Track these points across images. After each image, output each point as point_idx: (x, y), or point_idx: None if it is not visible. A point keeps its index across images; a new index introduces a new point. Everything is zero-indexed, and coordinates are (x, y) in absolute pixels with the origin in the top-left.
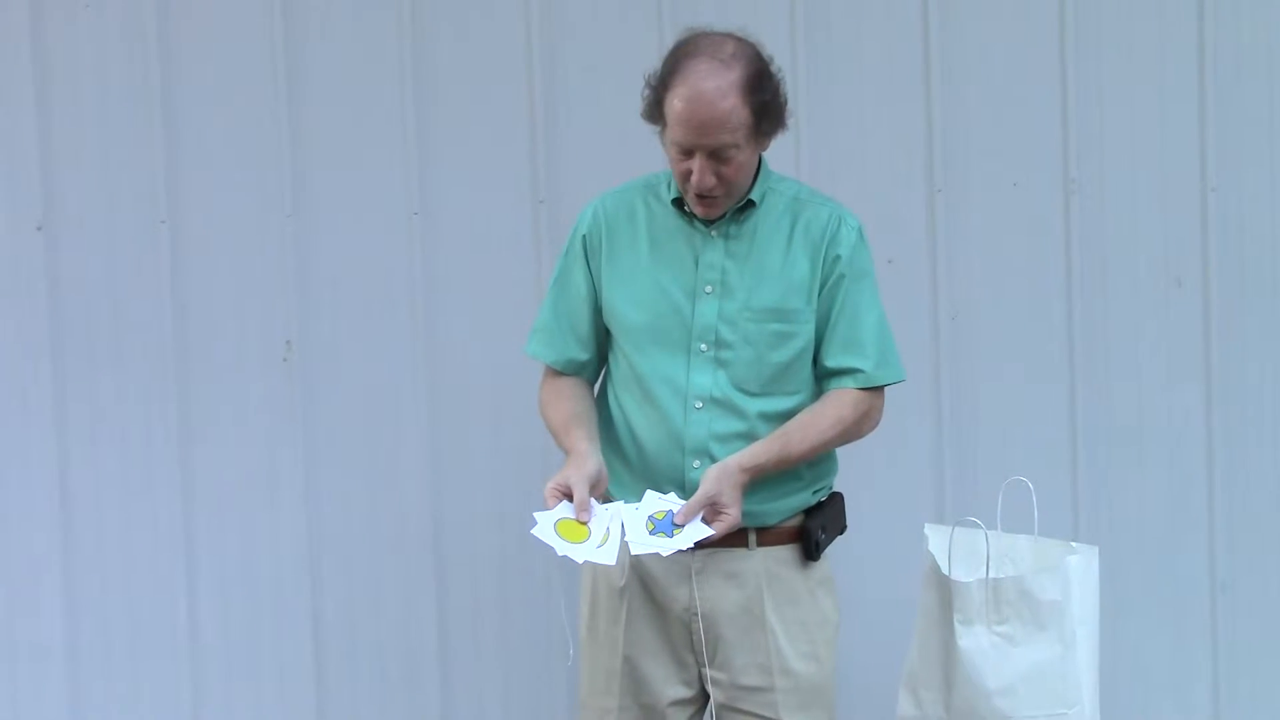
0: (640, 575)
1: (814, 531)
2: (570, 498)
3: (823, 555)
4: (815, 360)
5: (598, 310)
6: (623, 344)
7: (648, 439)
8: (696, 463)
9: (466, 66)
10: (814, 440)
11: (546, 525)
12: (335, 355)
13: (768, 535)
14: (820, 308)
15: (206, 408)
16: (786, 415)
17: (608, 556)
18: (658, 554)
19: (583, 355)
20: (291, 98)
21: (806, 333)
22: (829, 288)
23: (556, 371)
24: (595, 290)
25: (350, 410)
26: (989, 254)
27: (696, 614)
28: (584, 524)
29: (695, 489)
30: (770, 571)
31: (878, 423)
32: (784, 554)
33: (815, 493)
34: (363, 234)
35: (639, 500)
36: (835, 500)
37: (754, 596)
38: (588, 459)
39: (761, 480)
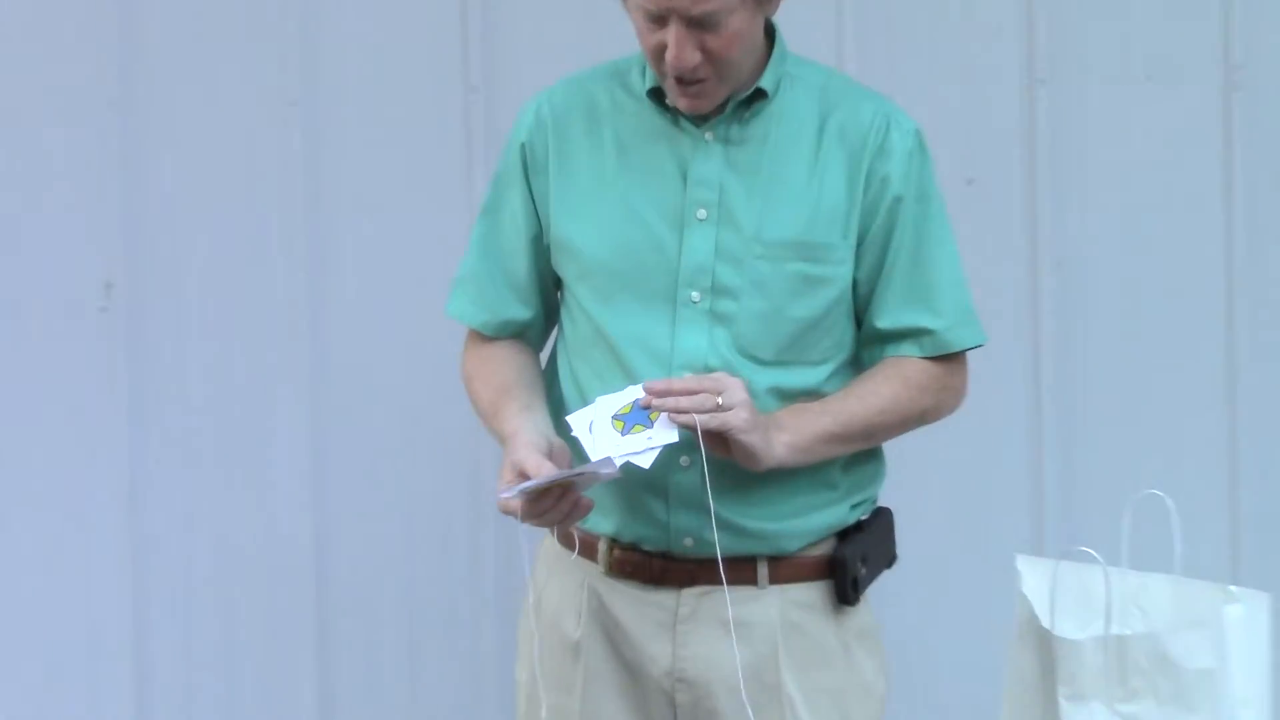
0: (604, 625)
1: (851, 563)
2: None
3: (863, 597)
4: (859, 320)
5: (545, 250)
6: (580, 296)
7: None
8: (686, 460)
9: None
10: (870, 420)
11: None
12: (174, 305)
13: (785, 568)
14: (865, 246)
15: None
16: (811, 395)
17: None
18: (638, 461)
19: (523, 313)
20: None
21: (841, 278)
22: (878, 218)
23: (486, 338)
24: (540, 221)
25: (189, 387)
26: (1112, 176)
27: (682, 680)
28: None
29: (682, 495)
30: (789, 620)
31: (957, 405)
32: (808, 595)
33: (854, 508)
34: (217, 133)
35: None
36: (881, 520)
37: (765, 656)
38: (522, 434)
39: (775, 481)
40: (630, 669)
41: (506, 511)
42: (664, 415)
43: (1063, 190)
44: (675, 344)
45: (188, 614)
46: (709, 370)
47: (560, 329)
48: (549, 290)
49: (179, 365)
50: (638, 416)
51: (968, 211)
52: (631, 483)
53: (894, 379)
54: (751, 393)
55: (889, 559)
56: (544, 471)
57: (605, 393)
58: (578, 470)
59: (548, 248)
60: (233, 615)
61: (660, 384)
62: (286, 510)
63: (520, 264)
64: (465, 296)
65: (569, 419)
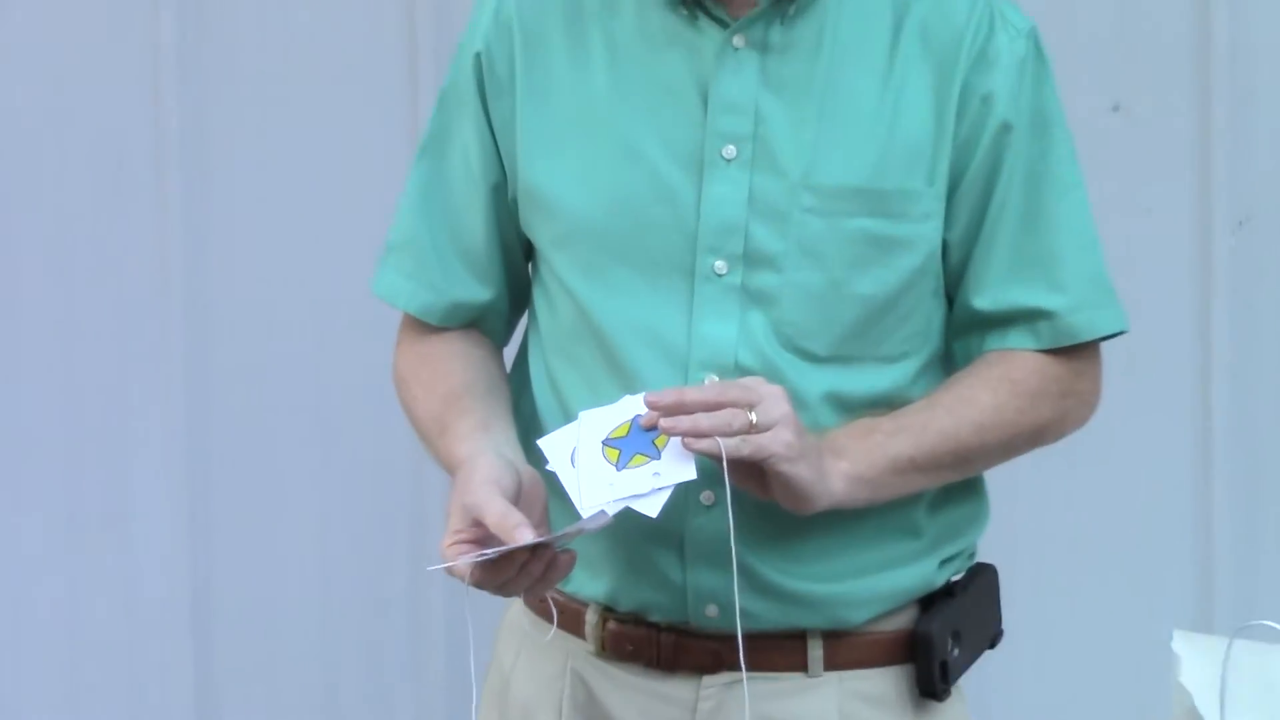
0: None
1: (939, 642)
2: (478, 541)
3: (956, 689)
4: (950, 298)
5: (510, 204)
6: (559, 269)
7: None
8: (708, 496)
9: None
10: (965, 441)
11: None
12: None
13: (848, 648)
14: (959, 195)
15: None
16: (884, 405)
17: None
18: (641, 507)
19: (479, 294)
20: None
21: (925, 240)
22: (977, 154)
23: (429, 327)
24: (503, 163)
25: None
26: None
27: None
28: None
29: (703, 546)
30: (850, 719)
31: (1085, 419)
32: (880, 686)
33: (944, 564)
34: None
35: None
36: (981, 581)
37: None
38: (478, 464)
39: (832, 528)
40: None
41: (454, 575)
42: (675, 440)
43: (1245, 123)
44: (693, 335)
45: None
46: (740, 373)
47: (532, 316)
48: (516, 262)
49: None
50: (639, 442)
51: (1111, 149)
52: (631, 528)
53: (998, 382)
54: (799, 403)
55: (991, 636)
56: (509, 525)
57: (593, 406)
58: (558, 535)
59: (514, 201)
60: (77, 685)
61: (670, 395)
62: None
63: (475, 224)
64: (399, 270)
65: (541, 444)
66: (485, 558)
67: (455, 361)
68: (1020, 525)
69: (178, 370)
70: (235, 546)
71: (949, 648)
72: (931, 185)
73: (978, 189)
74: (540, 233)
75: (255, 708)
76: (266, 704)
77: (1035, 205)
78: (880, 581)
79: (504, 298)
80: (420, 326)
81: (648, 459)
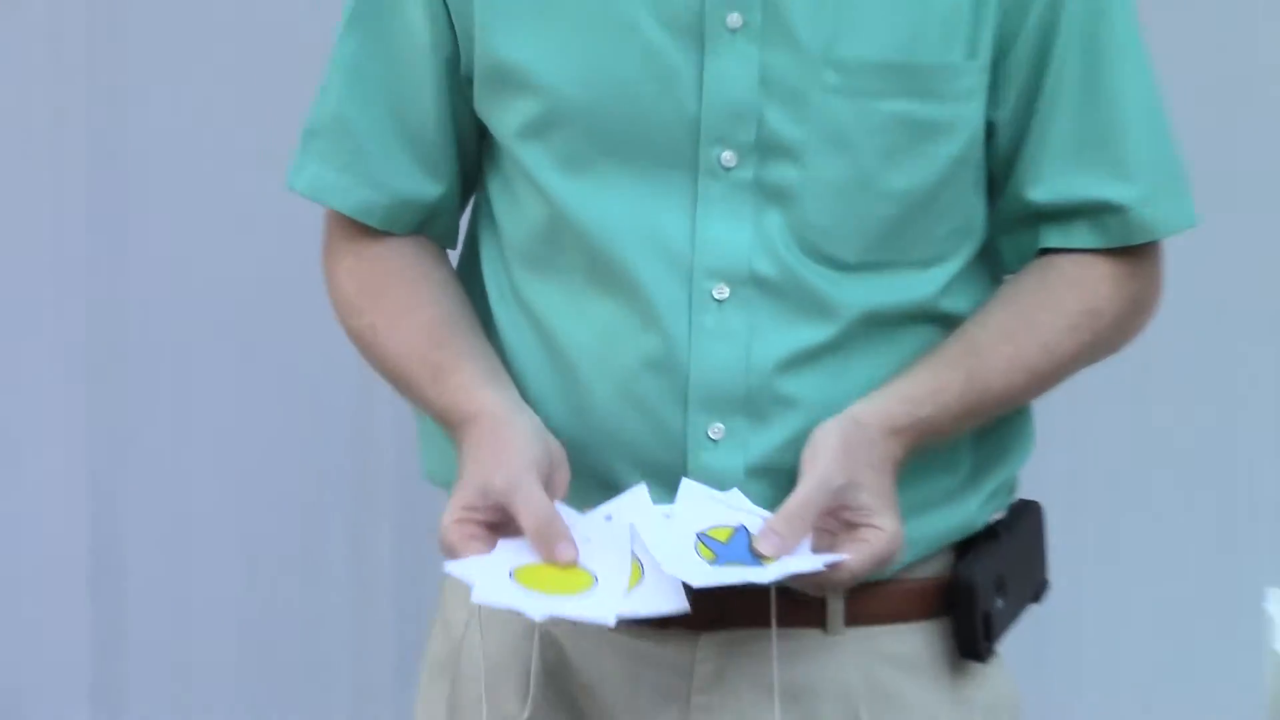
0: (568, 697)
1: (982, 592)
2: (496, 526)
3: (996, 653)
4: (996, 187)
5: (465, 81)
6: (529, 163)
7: (597, 378)
8: (718, 428)
9: None
10: (1035, 361)
11: (493, 579)
12: None
13: (873, 601)
14: (1007, 68)
15: None
16: (921, 317)
17: (642, 604)
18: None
19: (428, 189)
20: None
21: (967, 122)
22: (1028, 18)
23: (367, 233)
24: (455, 31)
25: None
26: None
27: None
28: (572, 565)
29: (705, 481)
30: (878, 687)
31: (1143, 326)
32: (910, 644)
33: (988, 500)
34: None
35: (665, 500)
36: (1027, 521)
37: None
38: (514, 427)
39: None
40: None
41: (446, 553)
42: (783, 562)
43: None
44: (698, 239)
45: None
46: (755, 284)
47: (485, 219)
48: (469, 151)
49: None
50: (740, 550)
51: (1173, 13)
52: (610, 462)
53: (1064, 293)
54: (828, 314)
55: (1037, 586)
56: (550, 536)
57: (578, 324)
58: (599, 619)
59: (468, 78)
60: None
61: (794, 517)
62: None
63: (424, 104)
64: (326, 160)
65: (617, 503)
66: (511, 560)
67: (422, 284)
68: (1070, 459)
69: (80, 305)
70: (144, 506)
71: (992, 599)
72: (973, 58)
73: (1029, 59)
74: (504, 119)
75: (162, 694)
76: (175, 688)
77: (1095, 75)
78: (916, 526)
79: (455, 194)
80: (355, 232)
81: (749, 567)
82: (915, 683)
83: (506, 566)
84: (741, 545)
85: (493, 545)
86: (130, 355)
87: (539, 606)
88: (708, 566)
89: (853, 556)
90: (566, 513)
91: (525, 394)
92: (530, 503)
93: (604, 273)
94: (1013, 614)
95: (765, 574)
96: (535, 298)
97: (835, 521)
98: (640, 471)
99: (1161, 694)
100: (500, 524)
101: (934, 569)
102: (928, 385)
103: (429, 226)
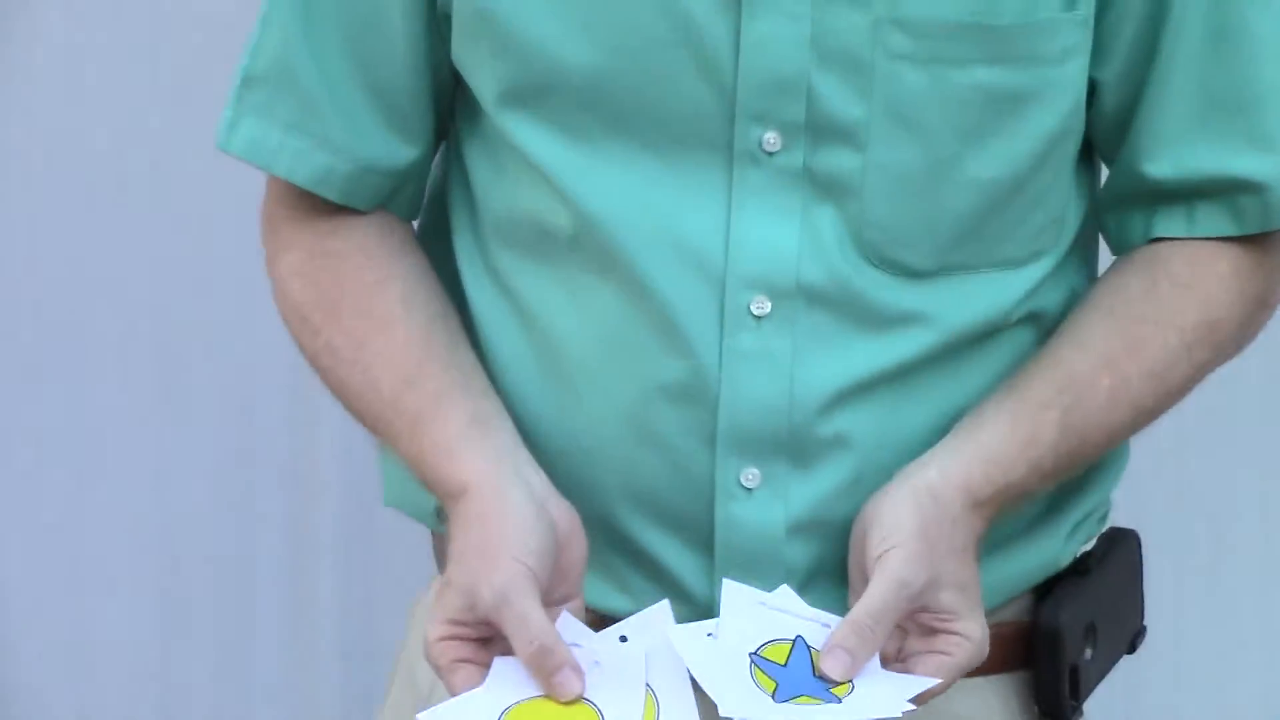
0: None
1: (1069, 640)
2: (490, 640)
3: (1083, 713)
4: (1102, 158)
5: (438, 19)
6: (515, 129)
7: (601, 401)
8: (752, 474)
9: None
10: (1141, 395)
11: None
12: None
13: None
14: (1117, 13)
15: None
16: (1004, 328)
17: None
18: None
19: (400, 153)
20: None
21: (1069, 88)
22: None
23: (321, 208)
24: None
25: None
26: None
27: None
28: (576, 701)
29: (737, 540)
30: None
31: (1267, 321)
32: (981, 704)
33: (1073, 532)
34: None
35: (702, 613)
36: (1120, 553)
37: None
38: (506, 512)
39: None
40: None
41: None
42: (865, 691)
43: None
44: (733, 240)
45: None
46: (803, 295)
47: (458, 186)
48: (444, 108)
49: None
50: (803, 674)
51: None
52: (609, 503)
53: (1175, 314)
54: (893, 332)
55: (1133, 633)
56: (549, 667)
57: (577, 320)
58: None
59: (446, 16)
60: None
61: (866, 630)
62: None
63: (394, 50)
64: (270, 115)
65: (618, 635)
66: (504, 700)
67: (389, 289)
68: (1172, 479)
69: None
70: (39, 494)
71: (1082, 649)
72: (1072, 8)
73: (1142, 4)
74: (489, 76)
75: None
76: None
77: (1226, 22)
78: (990, 568)
79: (429, 157)
80: (305, 208)
81: (821, 703)
82: None
83: (497, 708)
84: (803, 667)
85: (486, 663)
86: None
87: None
88: (773, 704)
89: (937, 679)
90: (572, 628)
91: (505, 394)
92: (525, 623)
93: (615, 273)
94: (1104, 667)
95: (842, 713)
96: (523, 287)
97: (908, 620)
98: (652, 521)
99: None
100: (494, 638)
101: (1011, 613)
102: (1017, 438)
103: (395, 198)
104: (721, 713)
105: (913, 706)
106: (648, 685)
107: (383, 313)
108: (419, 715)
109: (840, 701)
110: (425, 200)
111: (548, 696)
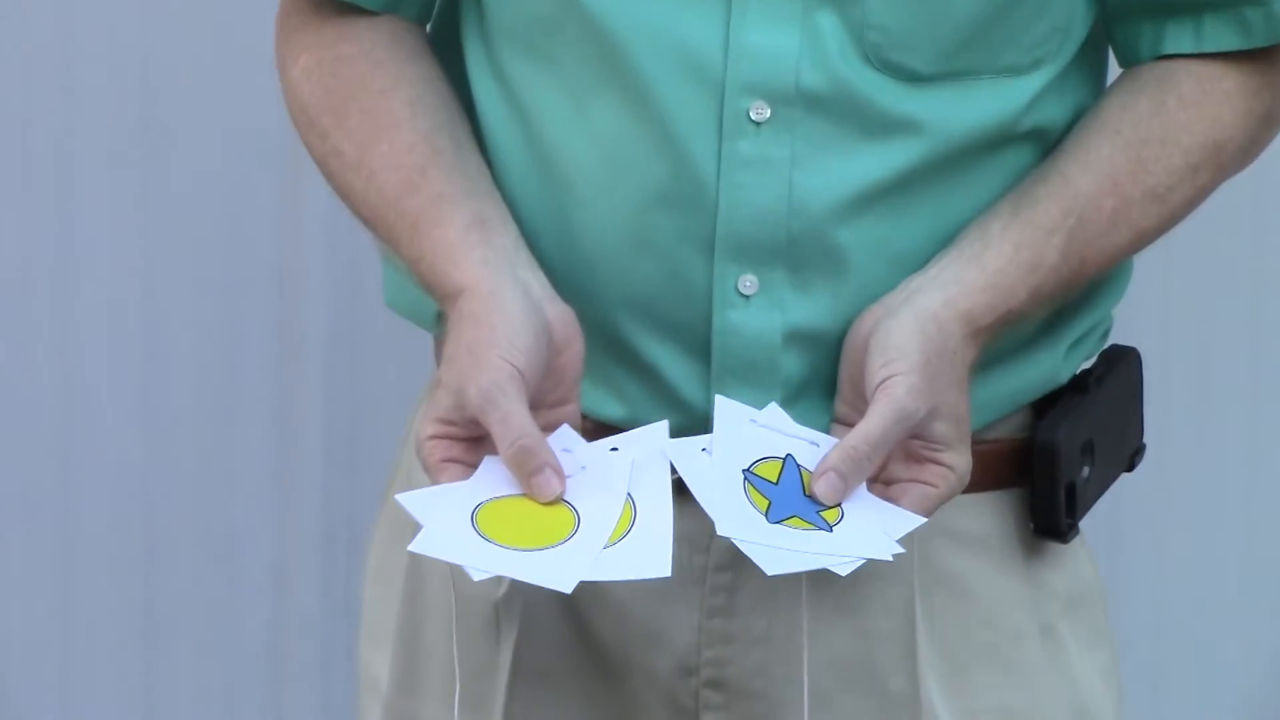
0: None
1: (1066, 457)
2: (474, 440)
3: (1079, 531)
4: None
5: None
6: None
7: (599, 207)
8: (750, 280)
9: None
10: (1143, 217)
11: (446, 521)
12: None
13: None
14: None
15: None
16: (1005, 136)
17: (619, 563)
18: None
19: None
20: None
21: None
22: None
23: (331, 9)
24: None
25: None
26: None
27: (715, 684)
28: (556, 502)
29: (734, 346)
30: (938, 569)
31: (1272, 139)
32: (976, 520)
33: (1074, 347)
34: None
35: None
36: (1122, 372)
37: (889, 638)
38: (501, 310)
39: None
40: (608, 662)
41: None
42: (855, 510)
43: None
44: (732, 44)
45: None
46: (803, 100)
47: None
48: None
49: None
50: (793, 493)
51: None
52: (608, 308)
53: (1181, 134)
54: (895, 135)
55: (1131, 451)
56: (529, 467)
57: (576, 122)
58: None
59: None
60: None
61: (863, 458)
62: None
63: None
64: None
65: (609, 446)
66: (478, 496)
67: (398, 93)
68: (1171, 295)
69: None
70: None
71: (1078, 466)
72: None
73: None
74: None
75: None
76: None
77: None
78: (986, 384)
79: None
80: (320, 11)
81: (813, 528)
82: (980, 564)
83: (472, 502)
84: (794, 485)
85: (475, 464)
86: None
87: (482, 563)
88: (767, 525)
89: (923, 517)
90: (567, 437)
91: (509, 201)
92: (507, 422)
93: (616, 75)
94: (1101, 484)
95: (836, 561)
96: (526, 91)
97: (905, 456)
98: (650, 329)
99: (1262, 584)
100: (484, 439)
101: (1008, 429)
102: (1021, 263)
103: (403, 6)
104: (719, 532)
105: (901, 549)
106: (629, 495)
107: (389, 117)
108: (397, 496)
109: (831, 530)
110: (438, 3)
111: (528, 496)
